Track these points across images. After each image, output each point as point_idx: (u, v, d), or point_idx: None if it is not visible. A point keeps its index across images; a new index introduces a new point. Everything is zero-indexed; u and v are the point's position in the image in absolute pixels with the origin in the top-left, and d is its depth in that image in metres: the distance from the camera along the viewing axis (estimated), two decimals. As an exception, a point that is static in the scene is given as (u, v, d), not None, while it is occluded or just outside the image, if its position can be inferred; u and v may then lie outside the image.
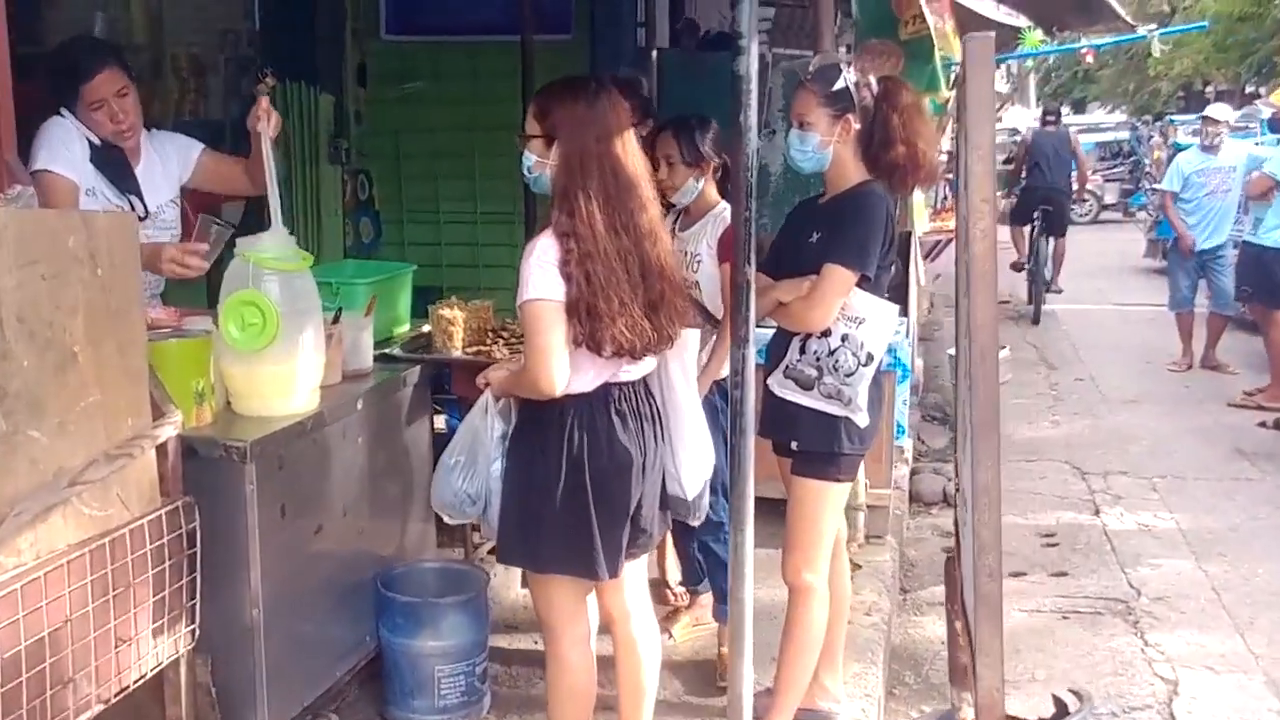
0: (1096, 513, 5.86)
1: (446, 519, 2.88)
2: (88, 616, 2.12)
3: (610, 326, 2.46)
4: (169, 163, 3.28)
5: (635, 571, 2.78)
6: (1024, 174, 11.99)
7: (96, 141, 3.07)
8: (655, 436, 2.67)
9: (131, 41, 5.85)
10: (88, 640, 2.12)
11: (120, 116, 3.07)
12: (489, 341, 3.59)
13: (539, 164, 2.58)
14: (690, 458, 2.74)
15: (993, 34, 1.90)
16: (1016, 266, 11.90)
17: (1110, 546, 5.39)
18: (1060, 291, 11.99)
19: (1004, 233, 12.05)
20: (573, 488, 2.56)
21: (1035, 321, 10.94)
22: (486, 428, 2.69)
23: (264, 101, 3.01)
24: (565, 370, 2.50)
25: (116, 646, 2.20)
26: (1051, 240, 11.61)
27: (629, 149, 2.57)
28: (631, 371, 2.63)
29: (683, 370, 2.71)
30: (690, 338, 2.69)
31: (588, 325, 2.46)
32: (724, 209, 3.46)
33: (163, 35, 5.76)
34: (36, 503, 2.00)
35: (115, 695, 2.22)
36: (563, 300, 2.46)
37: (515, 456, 2.65)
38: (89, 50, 3.15)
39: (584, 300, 2.45)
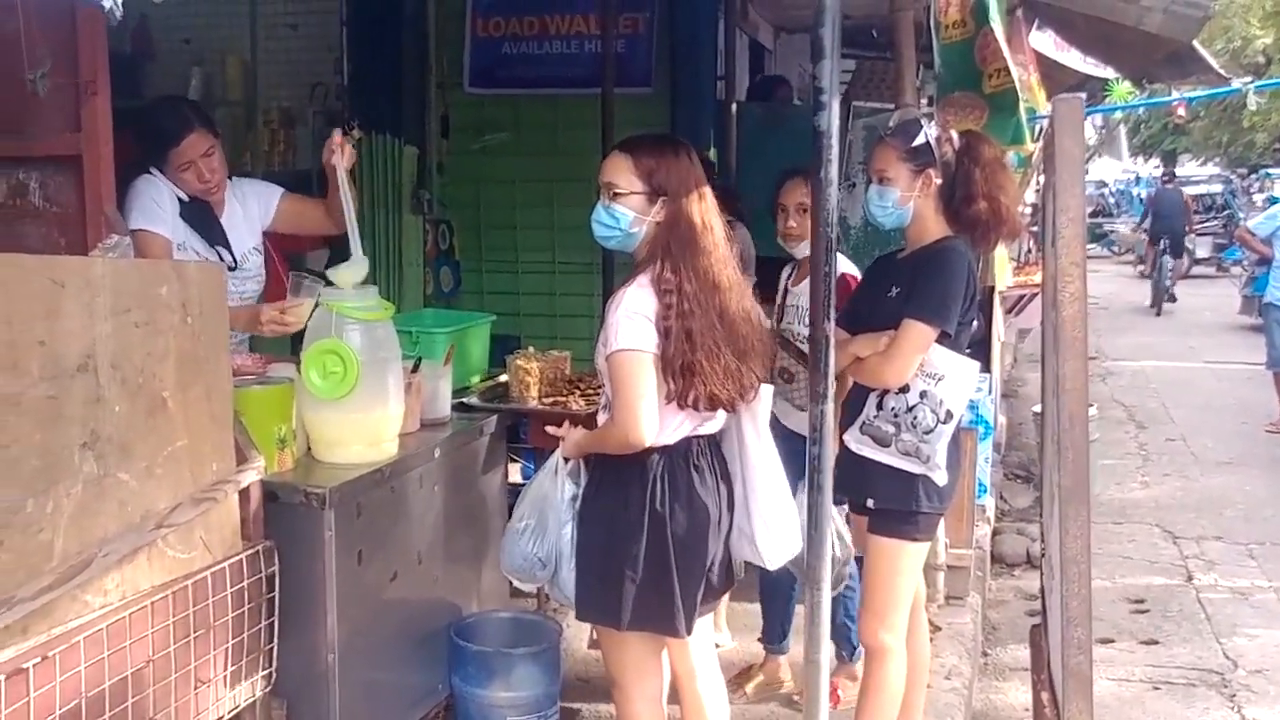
0: (1189, 579, 5.65)
1: (516, 583, 2.86)
2: (169, 657, 2.15)
3: (708, 383, 2.47)
4: (250, 210, 3.36)
5: (701, 629, 2.74)
6: (1148, 219, 18.13)
7: (185, 198, 3.16)
8: (729, 492, 2.65)
9: (226, 97, 6.09)
10: (169, 681, 2.15)
11: (207, 175, 3.15)
12: (565, 392, 3.60)
13: (638, 220, 2.55)
14: (770, 521, 2.65)
15: (1082, 96, 1.87)
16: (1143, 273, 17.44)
17: (1204, 614, 5.18)
18: (1175, 300, 15.89)
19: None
20: (655, 543, 2.54)
21: (1158, 313, 15.34)
22: (556, 490, 2.67)
23: (337, 135, 3.07)
24: (655, 422, 2.48)
25: (196, 688, 2.23)
26: (1172, 259, 16.19)
27: (714, 205, 2.61)
28: (709, 426, 2.61)
29: (755, 428, 2.65)
30: (763, 395, 2.67)
31: (681, 381, 2.46)
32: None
33: (256, 90, 5.98)
34: (124, 544, 2.05)
35: (192, 737, 2.24)
36: (654, 352, 2.47)
37: (594, 512, 2.63)
38: (174, 114, 3.21)
39: (682, 356, 2.45)
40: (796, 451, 2.94)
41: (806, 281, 3.46)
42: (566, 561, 2.66)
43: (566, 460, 2.69)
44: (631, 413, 2.46)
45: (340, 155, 3.05)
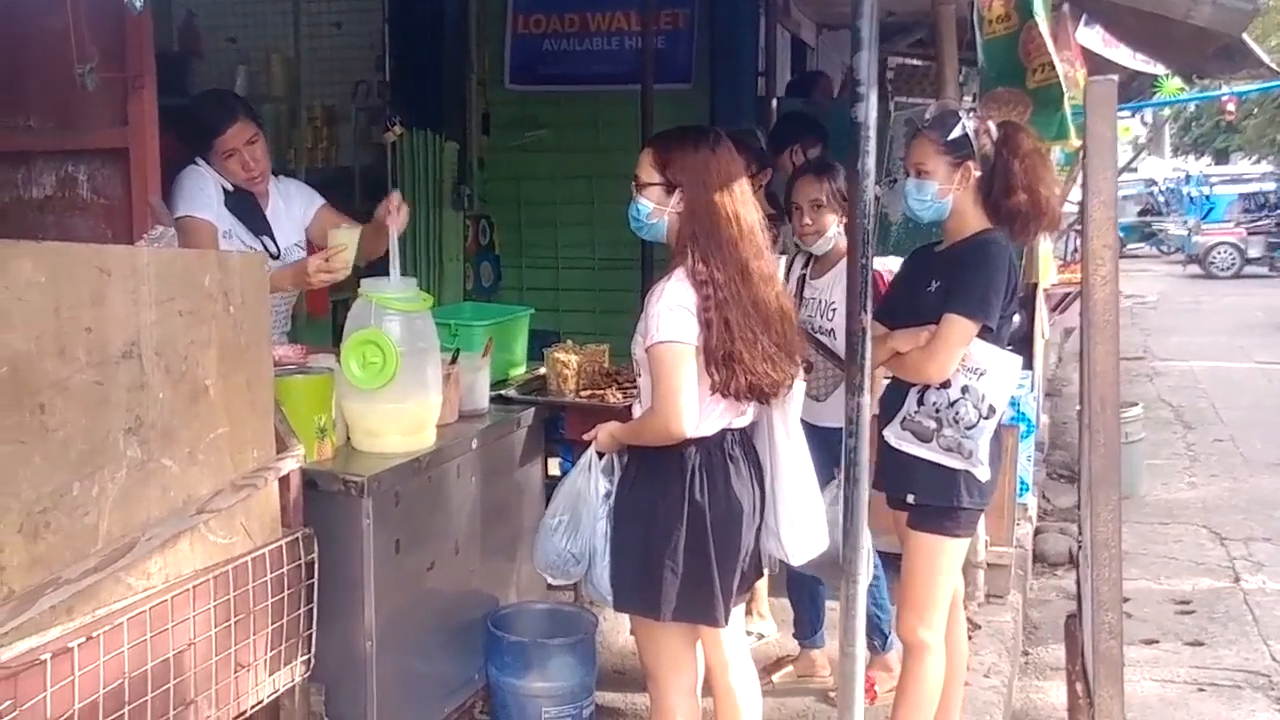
0: (1236, 580, 5.55)
1: (550, 579, 2.87)
2: (210, 641, 2.19)
3: (749, 371, 2.48)
4: (293, 208, 3.45)
5: (733, 620, 2.75)
6: None
7: (229, 187, 3.25)
8: (760, 484, 2.66)
9: (271, 94, 6.17)
10: (209, 664, 2.19)
11: (251, 164, 3.26)
12: (603, 385, 3.61)
13: (657, 211, 2.59)
14: (795, 518, 2.65)
15: (1115, 78, 1.85)
16: None
17: (1251, 616, 5.09)
18: None
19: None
20: (695, 533, 2.55)
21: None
22: (590, 486, 2.68)
23: (395, 196, 3.16)
24: (696, 413, 2.50)
25: (236, 672, 2.27)
26: None
27: (747, 197, 2.60)
28: (742, 419, 2.62)
29: (784, 425, 2.65)
30: (795, 392, 2.67)
31: (724, 371, 2.47)
32: None
33: (299, 87, 6.05)
34: (166, 528, 2.09)
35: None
36: (694, 344, 2.48)
37: (631, 504, 2.64)
38: (220, 104, 3.34)
39: (723, 347, 2.47)
40: (814, 443, 2.94)
41: (827, 275, 3.48)
42: (600, 557, 2.67)
43: (600, 456, 2.71)
44: (673, 404, 2.47)
45: (395, 216, 3.11)
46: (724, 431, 2.59)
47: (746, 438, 2.66)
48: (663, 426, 2.50)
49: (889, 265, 3.41)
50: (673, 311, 2.48)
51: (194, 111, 3.34)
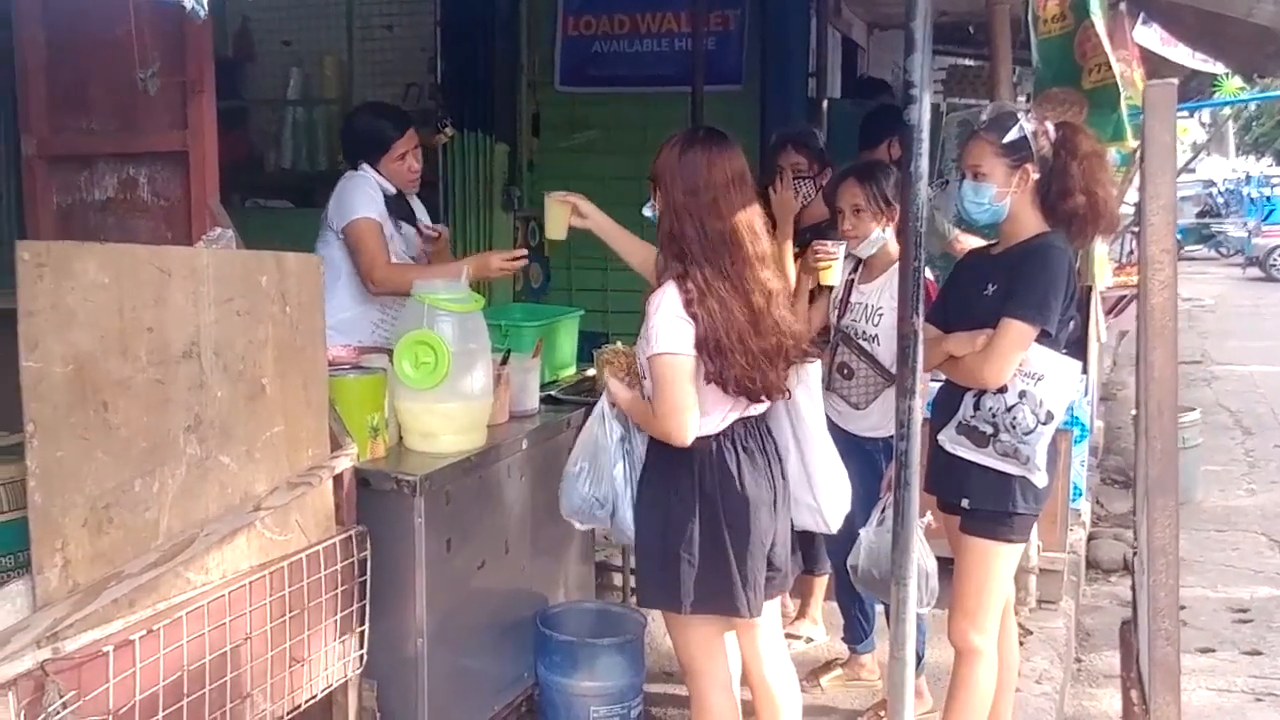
0: (1296, 589, 5.43)
1: (577, 525, 2.89)
2: (266, 635, 2.23)
3: (734, 364, 2.50)
4: (422, 216, 3.76)
5: (768, 614, 2.75)
6: None
7: (391, 191, 3.55)
8: (782, 473, 2.68)
9: (323, 95, 6.25)
10: (265, 658, 2.23)
11: (416, 166, 3.62)
12: (652, 386, 3.62)
13: (652, 206, 2.69)
14: (829, 489, 2.71)
15: (1175, 81, 1.81)
16: None
17: (1312, 626, 4.98)
18: None
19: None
20: (709, 525, 2.57)
21: None
22: (605, 432, 2.73)
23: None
24: (696, 422, 2.53)
25: (291, 666, 2.31)
26: None
27: (725, 205, 2.56)
28: (757, 407, 2.64)
29: (809, 396, 2.68)
30: (812, 369, 2.68)
31: (717, 361, 2.50)
32: None
33: (351, 89, 6.13)
34: (224, 525, 2.13)
35: (288, 713, 2.32)
36: (692, 353, 2.50)
37: (647, 498, 2.67)
38: (393, 113, 3.75)
39: (711, 336, 2.49)
40: (851, 454, 2.92)
41: (876, 279, 3.45)
42: (624, 500, 2.72)
43: (613, 406, 2.74)
44: (673, 416, 2.51)
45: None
46: (734, 424, 2.61)
47: (762, 425, 2.67)
48: (664, 434, 2.55)
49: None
50: (670, 322, 2.50)
51: (368, 123, 3.63)
